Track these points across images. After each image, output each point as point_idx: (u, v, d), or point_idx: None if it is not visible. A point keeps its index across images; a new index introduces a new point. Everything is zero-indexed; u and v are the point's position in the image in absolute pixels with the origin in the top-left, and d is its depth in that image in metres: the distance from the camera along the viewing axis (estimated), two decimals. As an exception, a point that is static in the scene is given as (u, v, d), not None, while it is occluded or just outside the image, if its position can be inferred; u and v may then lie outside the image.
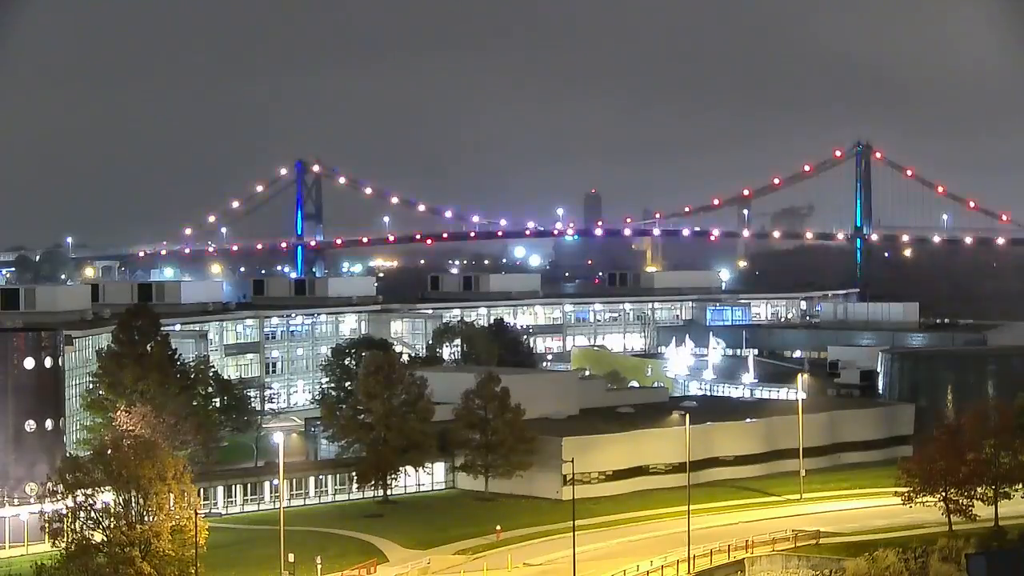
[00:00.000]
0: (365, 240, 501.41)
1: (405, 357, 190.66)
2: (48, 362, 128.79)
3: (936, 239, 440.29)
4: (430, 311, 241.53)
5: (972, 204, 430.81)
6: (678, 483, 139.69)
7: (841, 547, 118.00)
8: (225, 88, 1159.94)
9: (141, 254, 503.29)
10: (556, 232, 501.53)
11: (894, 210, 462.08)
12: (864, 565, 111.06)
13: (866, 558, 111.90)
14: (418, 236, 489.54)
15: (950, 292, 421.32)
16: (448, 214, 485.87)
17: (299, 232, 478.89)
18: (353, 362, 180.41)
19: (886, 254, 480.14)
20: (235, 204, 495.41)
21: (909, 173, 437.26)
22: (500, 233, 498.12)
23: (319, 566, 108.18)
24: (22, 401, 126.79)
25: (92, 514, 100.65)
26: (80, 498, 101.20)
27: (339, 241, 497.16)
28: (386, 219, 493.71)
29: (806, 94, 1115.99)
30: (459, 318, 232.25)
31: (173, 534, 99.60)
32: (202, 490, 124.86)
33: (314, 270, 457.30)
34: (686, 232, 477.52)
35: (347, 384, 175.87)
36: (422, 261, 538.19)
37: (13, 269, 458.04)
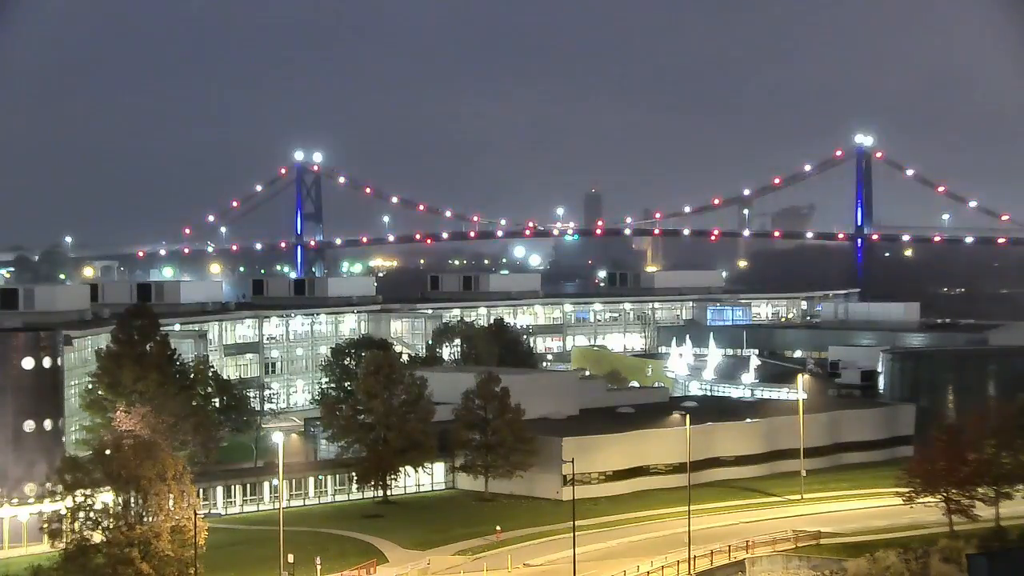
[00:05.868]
0: (365, 240, 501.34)
1: (405, 357, 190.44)
2: (47, 362, 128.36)
3: (936, 239, 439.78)
4: (430, 311, 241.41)
5: (972, 204, 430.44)
6: (678, 483, 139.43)
7: (842, 547, 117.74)
8: (225, 88, 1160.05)
9: (141, 254, 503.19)
10: (556, 232, 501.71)
11: (894, 210, 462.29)
12: (865, 566, 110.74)
13: (867, 558, 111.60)
14: (418, 236, 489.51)
15: (950, 292, 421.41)
16: (448, 214, 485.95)
17: (299, 232, 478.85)
18: (353, 362, 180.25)
19: (886, 254, 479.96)
20: (235, 204, 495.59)
21: (909, 173, 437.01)
22: (500, 233, 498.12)
23: (319, 567, 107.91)
24: (21, 401, 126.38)
25: (91, 514, 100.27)
26: (79, 498, 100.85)
27: (339, 241, 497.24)
28: (386, 219, 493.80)
29: (807, 93, 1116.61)
30: (459, 318, 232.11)
31: (172, 534, 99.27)
32: (202, 490, 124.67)
33: (314, 270, 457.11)
34: (686, 232, 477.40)
35: (347, 384, 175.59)
36: (422, 261, 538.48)
37: (12, 269, 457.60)
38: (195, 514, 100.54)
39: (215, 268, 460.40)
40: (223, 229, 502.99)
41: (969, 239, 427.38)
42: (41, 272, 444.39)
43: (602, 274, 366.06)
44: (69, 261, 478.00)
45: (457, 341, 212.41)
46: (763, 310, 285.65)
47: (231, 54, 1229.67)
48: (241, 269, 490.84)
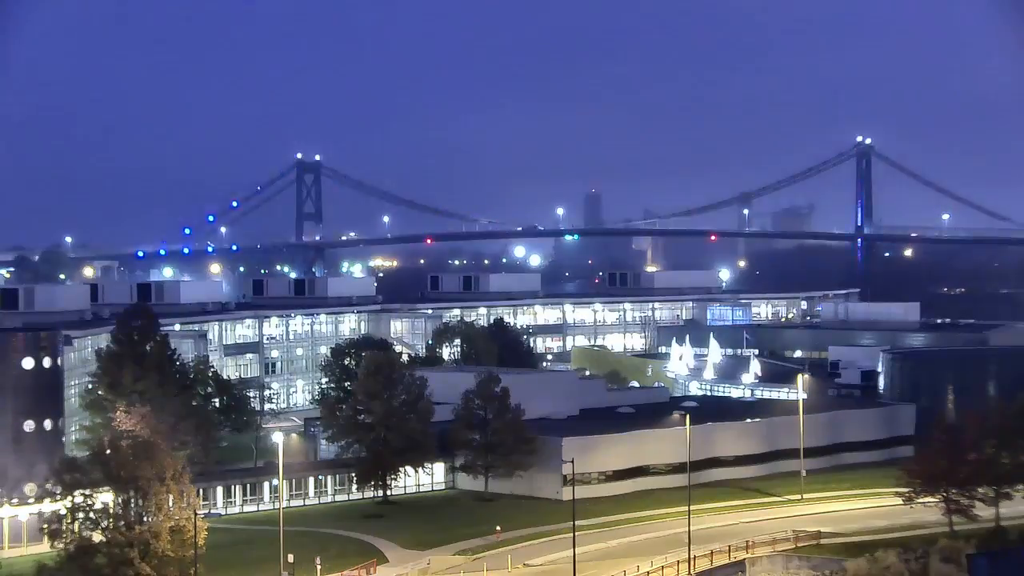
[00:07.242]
0: (365, 240, 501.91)
1: (405, 357, 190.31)
2: (47, 362, 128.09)
3: (937, 239, 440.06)
4: (430, 311, 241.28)
5: (973, 204, 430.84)
6: (678, 483, 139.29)
7: (842, 547, 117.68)
8: (225, 88, 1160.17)
9: (141, 254, 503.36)
10: (556, 232, 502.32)
11: (894, 210, 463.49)
12: (865, 565, 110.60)
13: (867, 558, 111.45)
14: (418, 236, 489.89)
15: (950, 292, 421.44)
16: (448, 214, 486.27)
17: (299, 232, 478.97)
18: (353, 362, 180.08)
19: (886, 254, 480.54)
20: (235, 204, 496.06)
21: (909, 173, 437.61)
22: (500, 233, 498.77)
23: (319, 567, 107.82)
24: (21, 401, 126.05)
25: (91, 515, 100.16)
26: (79, 499, 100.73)
27: (339, 240, 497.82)
28: (386, 219, 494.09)
29: (807, 94, 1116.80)
30: (459, 318, 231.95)
31: (172, 534, 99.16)
32: (201, 490, 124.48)
33: (314, 270, 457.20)
34: (686, 232, 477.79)
35: (347, 384, 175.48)
36: (422, 261, 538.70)
37: (12, 269, 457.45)
38: (195, 514, 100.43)
39: (215, 268, 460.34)
40: (223, 229, 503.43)
41: (970, 239, 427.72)
42: (41, 272, 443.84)
43: (602, 274, 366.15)
44: (69, 261, 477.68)
45: (457, 341, 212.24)
46: (763, 310, 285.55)
47: (231, 54, 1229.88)
48: (241, 269, 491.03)
